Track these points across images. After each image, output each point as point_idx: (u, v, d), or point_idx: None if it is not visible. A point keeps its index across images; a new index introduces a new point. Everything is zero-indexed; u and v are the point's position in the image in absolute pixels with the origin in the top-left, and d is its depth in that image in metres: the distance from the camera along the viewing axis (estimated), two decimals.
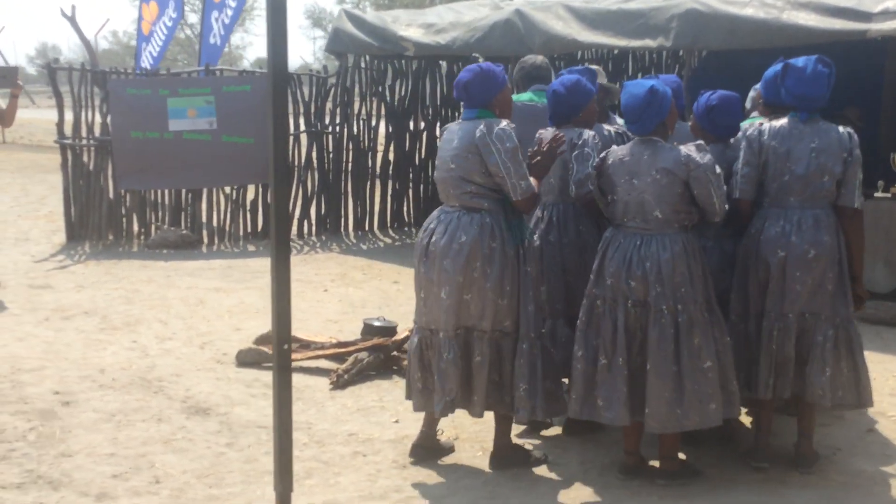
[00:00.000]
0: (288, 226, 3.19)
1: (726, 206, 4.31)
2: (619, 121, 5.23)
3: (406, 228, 11.63)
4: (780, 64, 4.62)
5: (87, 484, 4.31)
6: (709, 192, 4.18)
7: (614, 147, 4.47)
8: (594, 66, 5.28)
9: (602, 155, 4.45)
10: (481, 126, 4.30)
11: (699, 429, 4.27)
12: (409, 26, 10.33)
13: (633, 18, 8.41)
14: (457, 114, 12.18)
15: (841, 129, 4.43)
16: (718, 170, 4.23)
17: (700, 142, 4.35)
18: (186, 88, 10.27)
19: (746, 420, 5.07)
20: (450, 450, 4.76)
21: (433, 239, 4.40)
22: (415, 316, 4.63)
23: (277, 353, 3.26)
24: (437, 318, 4.40)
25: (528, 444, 4.84)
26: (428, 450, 4.68)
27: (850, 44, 7.40)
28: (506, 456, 4.58)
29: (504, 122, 4.34)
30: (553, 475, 4.53)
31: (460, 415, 5.25)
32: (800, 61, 4.43)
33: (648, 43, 8.32)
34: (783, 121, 4.47)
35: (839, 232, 4.40)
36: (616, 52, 12.24)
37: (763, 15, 7.59)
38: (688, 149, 4.21)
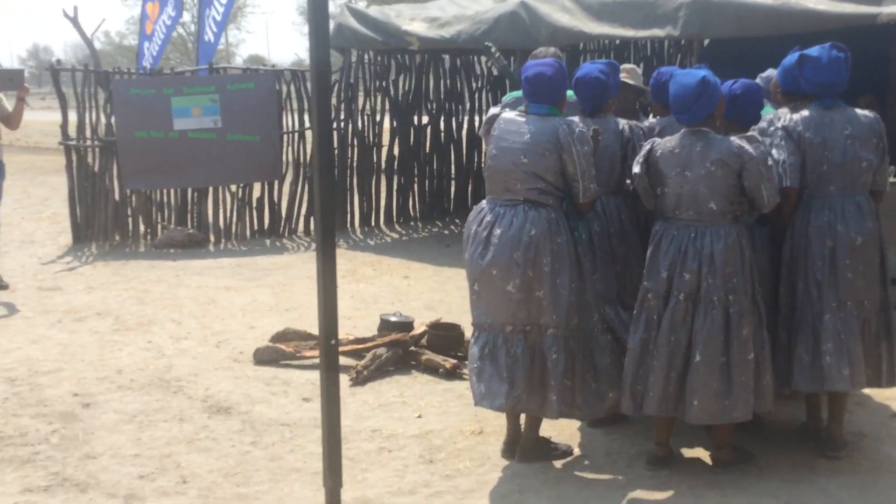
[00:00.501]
0: (333, 223, 3.14)
1: (777, 199, 4.30)
2: (650, 120, 5.22)
3: (412, 223, 11.60)
4: (796, 53, 4.62)
5: (114, 485, 4.29)
6: (759, 184, 4.18)
7: (659, 139, 4.45)
8: (630, 66, 5.30)
9: (648, 147, 4.43)
10: (563, 125, 4.30)
11: (746, 420, 4.28)
12: (413, 20, 10.29)
13: (640, 8, 8.37)
14: (460, 107, 12.17)
15: (870, 114, 4.45)
16: (770, 162, 4.24)
17: (752, 133, 4.37)
18: (191, 87, 10.42)
19: None
20: (566, 451, 4.68)
21: (495, 230, 4.33)
22: (472, 311, 4.53)
23: (325, 349, 3.22)
24: (501, 310, 4.33)
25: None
26: (531, 450, 4.58)
27: (857, 30, 7.37)
28: (533, 449, 4.56)
29: (581, 124, 4.38)
30: (580, 467, 4.52)
31: (482, 409, 5.24)
32: (814, 50, 4.46)
33: (656, 32, 8.28)
34: (806, 111, 4.47)
35: (878, 217, 4.44)
36: (618, 41, 12.20)
37: (772, 1, 7.56)
38: (740, 140, 4.21)
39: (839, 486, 4.23)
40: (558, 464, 4.54)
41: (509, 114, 4.50)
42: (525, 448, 4.56)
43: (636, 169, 4.41)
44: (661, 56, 13.07)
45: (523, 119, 4.40)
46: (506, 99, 5.98)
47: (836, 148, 4.40)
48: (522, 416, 4.61)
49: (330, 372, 3.25)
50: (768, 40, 8.42)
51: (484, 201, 4.52)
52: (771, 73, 5.80)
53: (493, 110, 4.90)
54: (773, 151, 4.44)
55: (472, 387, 4.50)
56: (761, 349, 4.26)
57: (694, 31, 8.15)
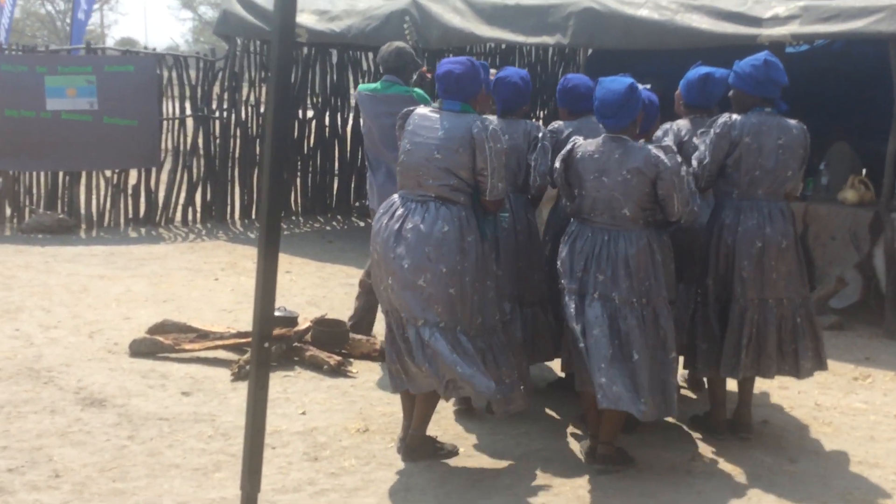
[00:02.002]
0: (279, 218, 2.97)
1: (688, 208, 4.46)
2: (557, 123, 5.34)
3: (294, 218, 11.43)
4: (700, 67, 4.98)
5: None
6: (672, 193, 4.30)
7: (580, 140, 4.50)
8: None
9: (568, 147, 4.48)
10: (477, 122, 4.30)
11: (661, 418, 4.49)
12: (302, 12, 10.12)
13: (531, 15, 8.48)
14: (346, 103, 12.07)
15: (799, 124, 4.80)
16: (683, 172, 4.40)
17: (667, 143, 4.52)
18: (66, 67, 10.03)
19: None
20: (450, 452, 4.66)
21: (407, 224, 4.30)
22: (380, 303, 4.56)
23: (257, 349, 3.03)
24: (410, 305, 4.29)
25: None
26: (418, 449, 4.56)
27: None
28: (419, 447, 4.55)
29: (495, 121, 4.43)
30: (467, 467, 4.53)
31: (368, 406, 5.22)
32: (760, 57, 4.77)
33: (546, 40, 8.42)
34: (752, 116, 4.74)
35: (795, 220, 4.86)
36: (504, 46, 12.33)
37: (657, 16, 7.77)
38: (657, 149, 4.32)
39: (714, 489, 4.37)
40: (445, 463, 4.54)
41: (423, 109, 4.50)
42: (411, 447, 4.55)
43: (556, 164, 4.51)
44: (544, 63, 13.30)
45: (437, 115, 4.39)
46: (360, 89, 6.06)
47: (769, 155, 4.70)
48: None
49: (260, 374, 3.07)
50: (650, 54, 8.69)
51: (395, 196, 4.49)
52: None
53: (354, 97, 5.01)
54: (701, 146, 4.75)
55: (390, 377, 4.56)
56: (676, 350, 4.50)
57: (583, 40, 8.33)
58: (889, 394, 5.79)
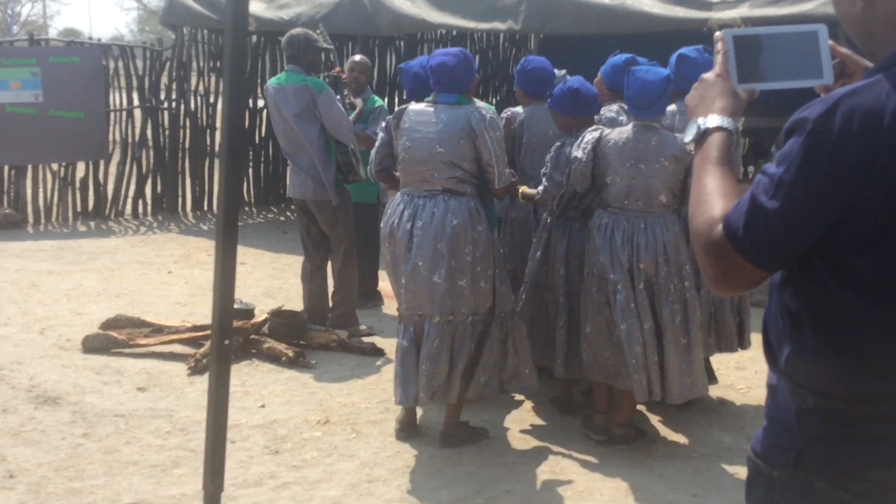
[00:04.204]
0: (236, 208, 2.88)
1: None
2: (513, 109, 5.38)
3: (246, 209, 11.30)
4: (619, 54, 5.01)
5: None
6: None
7: (608, 130, 4.50)
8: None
9: (596, 136, 4.48)
10: (475, 112, 4.33)
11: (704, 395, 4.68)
12: (251, 0, 10.03)
13: (482, 0, 8.45)
14: None
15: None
16: None
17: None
18: (9, 59, 9.80)
19: None
20: (483, 433, 4.70)
21: (417, 222, 4.32)
22: (398, 303, 4.55)
23: (217, 345, 2.96)
24: (426, 302, 4.32)
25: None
26: (454, 435, 4.57)
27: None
28: (453, 434, 4.57)
29: (491, 110, 4.43)
30: (429, 456, 4.51)
31: (328, 397, 5.19)
32: (690, 51, 4.84)
33: (497, 25, 8.41)
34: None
35: None
36: (455, 32, 12.30)
37: (608, 1, 7.79)
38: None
39: (676, 471, 4.40)
40: (408, 453, 4.52)
41: (418, 105, 4.50)
42: (446, 433, 4.56)
43: (579, 154, 4.48)
44: (496, 48, 13.28)
45: (433, 109, 4.41)
46: (269, 82, 6.08)
47: None
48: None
49: (220, 372, 3.00)
50: (601, 38, 8.70)
51: (398, 195, 4.49)
52: (555, 72, 6.07)
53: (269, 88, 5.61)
54: None
55: (396, 382, 4.52)
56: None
57: (534, 25, 8.32)
58: None
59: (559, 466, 4.41)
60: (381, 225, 4.55)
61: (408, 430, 4.65)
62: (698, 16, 7.34)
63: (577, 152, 4.52)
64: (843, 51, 1.80)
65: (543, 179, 4.65)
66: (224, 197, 2.78)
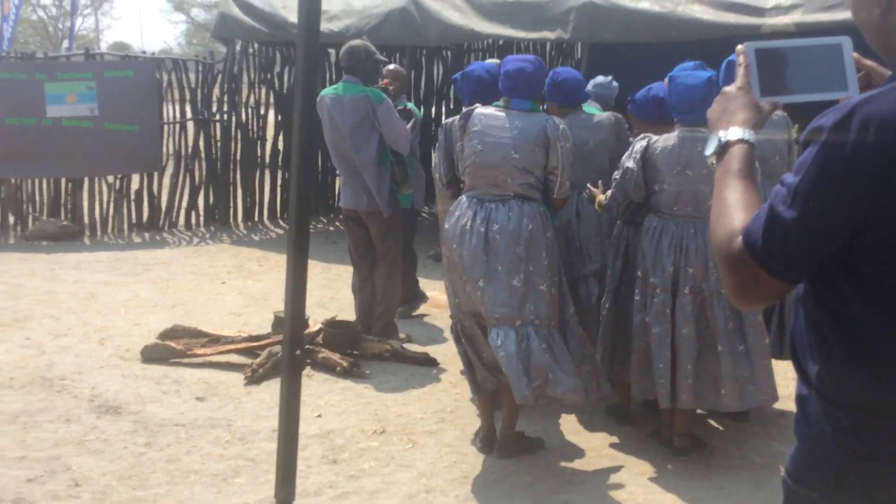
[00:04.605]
0: (307, 222, 2.91)
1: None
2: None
3: None
4: (691, 62, 4.88)
5: (1, 489, 4.06)
6: None
7: (655, 137, 4.51)
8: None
9: (643, 143, 4.50)
10: (550, 121, 4.38)
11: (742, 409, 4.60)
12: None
13: (531, 10, 8.45)
14: None
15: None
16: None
17: None
18: (65, 73, 9.99)
19: None
20: (539, 443, 4.71)
21: (493, 226, 4.33)
22: (457, 306, 4.54)
23: (289, 355, 2.99)
24: (509, 306, 4.33)
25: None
26: (511, 446, 4.58)
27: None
28: (510, 444, 4.57)
29: (563, 121, 4.49)
30: (487, 466, 4.52)
31: (383, 407, 5.21)
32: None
33: (546, 34, 8.39)
34: None
35: None
36: (501, 42, 12.32)
37: (659, 8, 7.75)
38: None
39: (736, 483, 4.36)
40: (466, 463, 4.53)
41: (486, 109, 4.49)
42: (504, 445, 4.57)
43: (629, 164, 4.50)
44: (542, 57, 13.25)
45: (505, 114, 4.42)
46: (323, 93, 6.11)
47: None
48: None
49: (292, 382, 3.03)
50: (650, 46, 8.67)
51: (463, 198, 4.50)
52: (601, 79, 6.04)
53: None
54: None
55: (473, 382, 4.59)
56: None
57: (583, 34, 8.28)
58: None
59: (617, 478, 4.40)
60: (447, 227, 4.53)
61: (488, 443, 4.64)
62: (751, 22, 7.28)
63: (629, 162, 4.53)
64: (869, 63, 1.78)
65: (612, 185, 4.65)
66: (295, 210, 2.82)
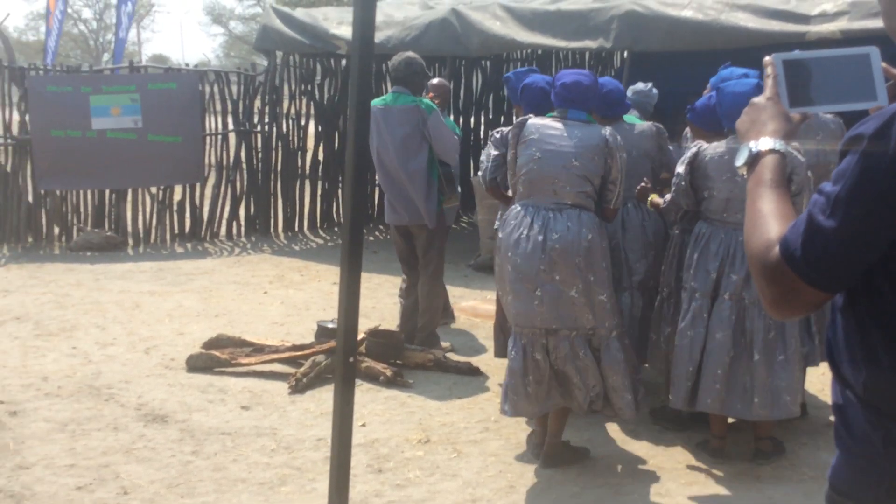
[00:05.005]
0: (361, 233, 2.91)
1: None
2: None
3: (336, 229, 11.46)
4: (734, 68, 4.85)
5: (51, 497, 4.11)
6: (803, 189, 4.33)
7: (706, 145, 4.50)
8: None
9: (694, 150, 4.50)
10: (608, 131, 4.42)
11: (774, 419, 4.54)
12: (341, 24, 10.19)
13: (573, 19, 8.45)
14: None
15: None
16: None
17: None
18: (110, 86, 10.13)
19: None
20: (584, 453, 4.69)
21: (551, 235, 4.33)
22: (516, 318, 4.49)
23: (342, 363, 2.99)
24: (566, 317, 4.34)
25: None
26: (557, 455, 4.56)
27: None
28: (556, 454, 4.55)
29: (617, 132, 4.53)
30: (533, 475, 4.50)
31: (427, 416, 5.21)
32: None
33: (588, 44, 8.38)
34: None
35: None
36: (540, 51, 12.31)
37: (702, 17, 7.72)
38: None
39: (785, 494, 4.30)
40: (511, 472, 4.51)
41: (541, 119, 4.52)
42: (550, 454, 4.55)
43: (679, 169, 4.51)
44: (582, 66, 13.23)
45: (562, 124, 4.45)
46: (374, 103, 6.12)
47: None
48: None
49: (345, 389, 3.02)
50: (692, 54, 8.62)
51: (518, 206, 4.50)
52: (640, 86, 6.00)
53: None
54: None
55: (511, 397, 4.50)
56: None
57: (626, 43, 8.27)
58: None
59: (664, 488, 4.35)
60: (501, 236, 4.54)
61: (541, 449, 4.62)
62: (796, 29, 7.23)
63: (680, 168, 4.52)
64: None
65: (672, 189, 4.64)
66: (349, 217, 2.83)
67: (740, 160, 1.77)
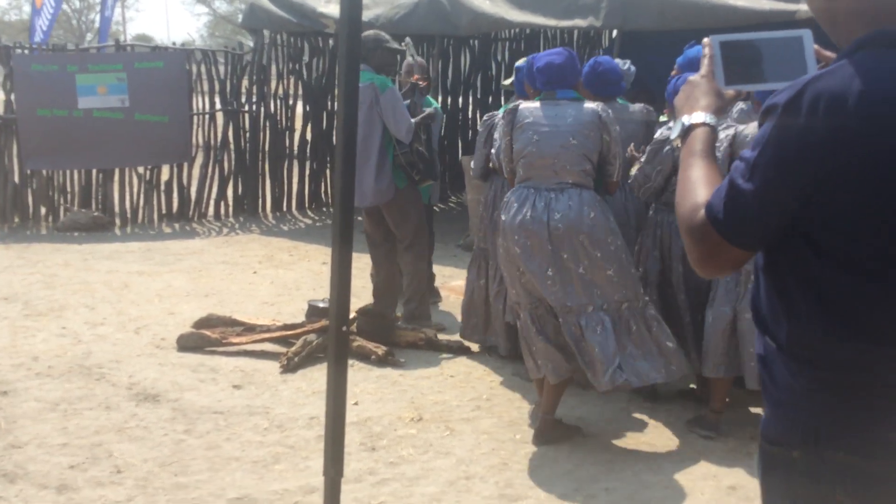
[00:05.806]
0: (351, 205, 2.91)
1: None
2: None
3: (324, 209, 11.43)
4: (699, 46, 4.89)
5: (45, 476, 4.09)
6: None
7: (741, 126, 4.47)
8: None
9: (731, 133, 4.46)
10: (600, 107, 4.44)
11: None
12: (329, 2, 10.13)
13: None
14: None
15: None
16: None
17: None
18: (96, 65, 10.05)
19: None
20: (577, 430, 4.70)
21: (554, 215, 4.36)
22: (518, 296, 4.56)
23: (336, 331, 2.99)
24: (573, 293, 4.37)
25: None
26: (549, 432, 4.58)
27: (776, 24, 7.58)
28: (549, 431, 4.57)
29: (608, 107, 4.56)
30: (525, 453, 4.51)
31: (419, 395, 5.22)
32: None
33: (578, 23, 8.35)
34: None
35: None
36: (528, 30, 12.28)
37: None
38: None
39: None
40: (504, 450, 4.52)
41: (531, 103, 4.55)
42: (542, 431, 4.57)
43: (719, 155, 4.50)
44: (570, 45, 13.20)
45: (555, 104, 4.47)
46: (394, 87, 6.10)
47: None
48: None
49: (338, 359, 3.01)
50: (681, 34, 8.60)
51: (518, 188, 4.53)
52: (618, 62, 5.98)
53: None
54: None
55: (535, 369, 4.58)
56: None
57: (616, 22, 8.25)
58: None
59: (657, 464, 4.38)
60: (503, 217, 4.55)
61: (542, 438, 4.61)
62: (786, 8, 7.22)
63: (657, 136, 4.64)
64: (829, 54, 1.86)
65: (637, 164, 4.67)
66: (340, 193, 2.82)
67: (675, 132, 1.89)
